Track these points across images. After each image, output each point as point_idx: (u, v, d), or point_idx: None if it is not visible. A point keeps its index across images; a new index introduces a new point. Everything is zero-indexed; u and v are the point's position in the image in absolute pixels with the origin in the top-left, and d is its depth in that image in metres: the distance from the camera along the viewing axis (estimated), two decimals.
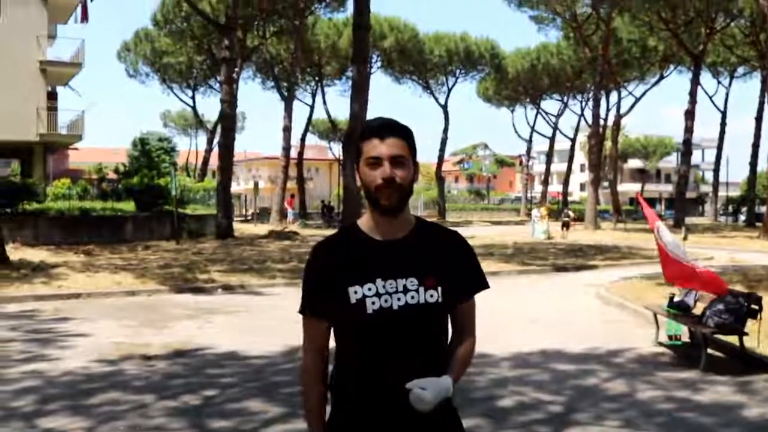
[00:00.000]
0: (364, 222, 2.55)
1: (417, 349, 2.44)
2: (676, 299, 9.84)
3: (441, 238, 2.61)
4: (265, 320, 11.50)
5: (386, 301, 2.42)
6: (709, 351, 8.59)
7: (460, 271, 2.60)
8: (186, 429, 6.13)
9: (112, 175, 42.66)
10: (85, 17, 35.97)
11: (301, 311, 2.55)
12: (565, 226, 35.19)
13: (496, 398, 7.06)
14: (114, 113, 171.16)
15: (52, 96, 36.47)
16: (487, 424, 6.23)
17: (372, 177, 2.44)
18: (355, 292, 2.42)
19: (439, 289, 2.48)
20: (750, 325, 8.46)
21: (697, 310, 9.40)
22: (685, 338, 9.63)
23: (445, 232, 2.66)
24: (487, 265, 16.06)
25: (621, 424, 6.26)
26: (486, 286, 2.73)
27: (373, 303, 2.41)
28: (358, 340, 2.45)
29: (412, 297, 2.44)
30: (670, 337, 9.72)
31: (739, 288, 11.56)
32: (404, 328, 2.43)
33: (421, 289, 2.45)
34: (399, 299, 2.43)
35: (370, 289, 2.42)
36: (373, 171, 2.44)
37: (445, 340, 2.58)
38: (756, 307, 8.46)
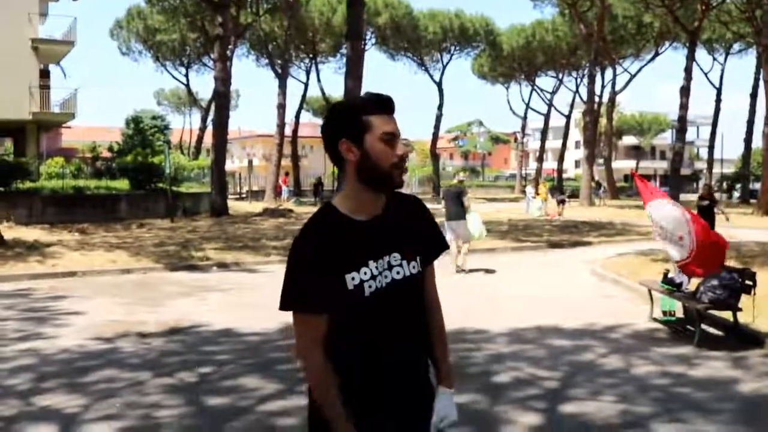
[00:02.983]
0: (343, 202, 2.45)
1: (408, 321, 2.49)
2: (670, 275, 9.85)
3: (407, 207, 2.59)
4: (260, 297, 11.49)
5: (379, 281, 2.42)
6: (703, 327, 8.62)
7: (426, 236, 2.63)
8: (182, 406, 6.14)
9: (106, 154, 42.53)
10: None
11: (297, 308, 2.37)
12: (561, 203, 35.23)
13: (492, 374, 7.08)
14: (107, 91, 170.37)
15: (44, 74, 36.22)
16: (484, 400, 6.25)
17: (388, 154, 2.38)
18: (352, 279, 2.37)
19: (418, 258, 2.53)
20: (744, 300, 8.49)
21: (692, 286, 9.41)
22: (680, 314, 9.67)
23: (408, 200, 2.63)
24: (482, 243, 16.10)
25: (617, 399, 6.28)
26: (447, 245, 2.75)
27: (370, 286, 2.39)
28: (356, 324, 2.41)
29: (398, 272, 2.46)
30: (664, 313, 9.75)
31: (733, 264, 11.61)
32: (395, 304, 2.45)
33: (404, 263, 2.47)
34: (386, 277, 2.43)
35: (366, 273, 2.39)
36: (388, 147, 2.38)
37: (424, 307, 2.63)
38: (750, 283, 8.50)
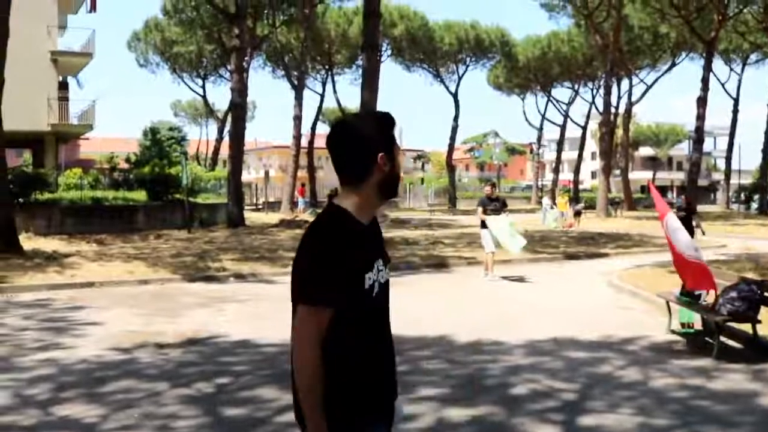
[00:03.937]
0: (356, 207, 2.57)
1: (388, 318, 2.71)
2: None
3: (376, 223, 2.74)
4: (277, 308, 11.48)
5: (379, 280, 2.60)
6: (722, 339, 8.56)
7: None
8: (200, 417, 6.16)
9: (123, 165, 42.78)
10: (93, 7, 36.06)
11: (314, 300, 2.43)
12: (577, 214, 35.07)
13: (510, 386, 7.06)
14: (125, 103, 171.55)
15: (63, 86, 36.57)
16: (501, 412, 6.23)
17: (400, 167, 2.66)
18: (368, 278, 2.51)
19: (387, 266, 2.72)
20: (763, 312, 8.44)
21: (710, 298, 9.36)
22: (698, 326, 9.61)
23: (374, 218, 2.77)
24: (499, 254, 16.07)
25: (635, 412, 6.25)
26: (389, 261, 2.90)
27: (375, 286, 2.56)
28: (365, 322, 2.55)
29: (383, 276, 2.63)
30: (682, 325, 9.70)
31: (751, 276, 11.51)
32: (384, 304, 2.66)
33: (384, 268, 2.66)
34: (380, 279, 2.61)
35: (374, 273, 2.56)
36: (400, 162, 2.64)
37: None
38: None
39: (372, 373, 2.58)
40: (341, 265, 2.42)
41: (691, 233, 17.18)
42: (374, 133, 2.59)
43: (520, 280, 15.56)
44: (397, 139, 2.64)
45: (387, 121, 2.64)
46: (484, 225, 15.36)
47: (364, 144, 2.56)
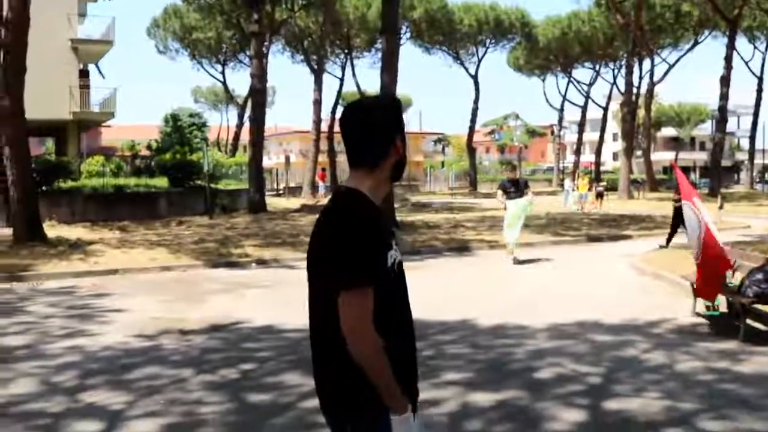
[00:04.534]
0: (369, 190, 2.60)
1: (407, 297, 2.68)
2: None
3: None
4: (300, 293, 11.40)
5: (397, 261, 2.60)
6: (748, 321, 8.47)
7: None
8: (225, 403, 6.19)
9: (144, 152, 42.99)
10: None
11: (362, 282, 2.40)
12: (600, 196, 34.82)
13: (534, 370, 7.03)
14: (145, 90, 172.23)
15: (84, 74, 36.72)
16: (526, 396, 6.21)
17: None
18: (391, 256, 2.54)
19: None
20: None
21: (736, 279, 9.26)
22: (723, 308, 9.51)
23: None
24: (522, 237, 16.00)
25: (661, 395, 6.20)
26: None
27: (396, 264, 2.57)
28: (388, 300, 2.52)
29: (397, 253, 2.62)
30: (707, 308, 9.60)
31: None
32: (403, 283, 2.66)
33: (397, 247, 2.65)
34: (398, 258, 2.61)
35: (394, 251, 2.58)
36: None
37: None
38: None
39: (400, 355, 2.56)
40: (371, 244, 2.45)
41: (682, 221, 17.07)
42: (390, 118, 2.64)
43: (543, 262, 15.51)
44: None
45: (397, 105, 2.71)
46: (505, 208, 15.36)
47: (382, 128, 2.61)
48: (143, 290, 12.47)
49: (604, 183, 38.64)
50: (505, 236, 15.41)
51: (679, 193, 18.09)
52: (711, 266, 8.73)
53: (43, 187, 25.21)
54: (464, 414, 5.81)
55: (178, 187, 29.42)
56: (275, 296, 11.78)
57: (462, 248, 17.89)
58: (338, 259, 2.44)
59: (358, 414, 2.51)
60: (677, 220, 17.09)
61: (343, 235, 2.45)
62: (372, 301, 2.43)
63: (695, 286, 9.30)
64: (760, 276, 8.41)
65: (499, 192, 15.47)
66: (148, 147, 44.06)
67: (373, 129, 2.59)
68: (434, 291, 11.29)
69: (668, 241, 17.39)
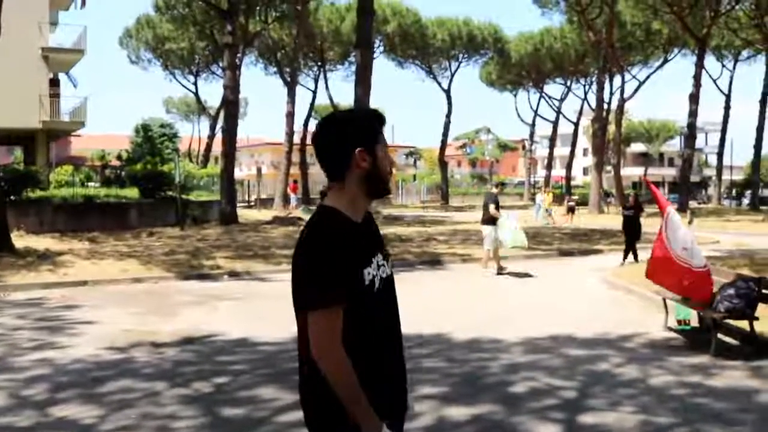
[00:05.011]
0: (344, 206, 2.56)
1: (396, 314, 2.69)
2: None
3: (370, 218, 2.74)
4: (273, 306, 11.46)
5: (379, 277, 2.57)
6: (719, 336, 8.56)
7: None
8: (199, 417, 6.12)
9: (115, 162, 42.63)
10: (83, 2, 35.90)
11: (328, 303, 2.39)
12: (571, 210, 35.09)
13: (509, 384, 7.04)
14: (116, 100, 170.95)
15: (54, 83, 36.33)
16: (501, 410, 6.21)
17: (386, 163, 2.60)
18: (368, 273, 2.50)
19: (389, 261, 2.72)
20: (761, 309, 8.42)
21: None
22: (695, 323, 9.60)
23: (369, 214, 2.76)
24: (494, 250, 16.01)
25: (636, 409, 6.23)
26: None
27: (376, 281, 2.54)
28: (370, 318, 2.51)
29: (384, 271, 2.62)
30: (679, 322, 9.68)
31: (746, 272, 11.53)
32: (390, 298, 2.66)
33: (386, 263, 2.65)
34: (383, 273, 2.60)
35: (373, 268, 2.54)
36: (385, 159, 2.59)
37: None
38: (767, 292, 8.44)
39: (382, 372, 2.56)
40: (340, 263, 2.41)
41: (638, 232, 17.30)
42: (352, 128, 2.59)
43: (515, 276, 15.57)
44: (386, 136, 2.63)
45: (370, 118, 2.64)
46: (491, 222, 15.58)
47: (339, 138, 2.58)
48: (114, 302, 12.32)
49: (576, 198, 38.95)
50: (515, 243, 15.76)
51: (626, 207, 18.45)
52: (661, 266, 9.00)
53: (11, 197, 24.86)
54: (440, 428, 5.80)
55: (149, 198, 29.15)
56: (248, 309, 11.70)
57: (434, 261, 17.90)
58: (306, 278, 2.44)
59: (325, 429, 2.52)
60: (629, 232, 17.45)
61: (311, 253, 2.45)
62: (340, 320, 2.42)
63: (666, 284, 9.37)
64: (731, 291, 8.50)
65: (493, 206, 15.77)
66: (119, 157, 43.71)
67: (331, 139, 2.59)
68: (408, 305, 11.19)
69: (625, 256, 17.27)
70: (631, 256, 17.05)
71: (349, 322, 2.45)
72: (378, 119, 2.64)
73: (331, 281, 2.40)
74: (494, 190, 17.26)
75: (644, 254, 18.56)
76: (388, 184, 2.63)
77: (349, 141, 2.55)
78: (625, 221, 17.82)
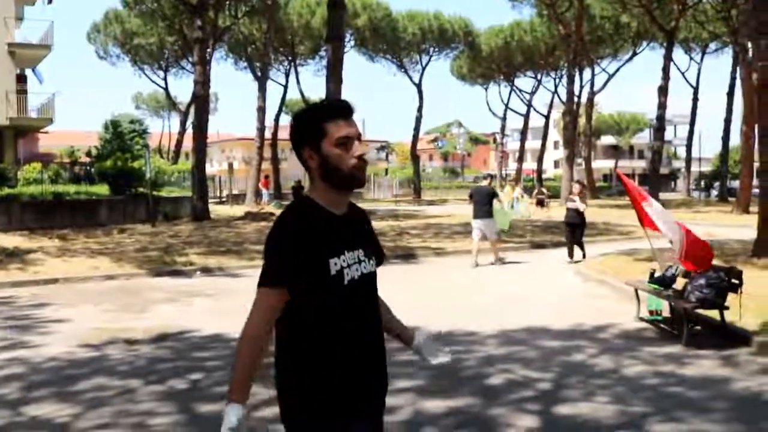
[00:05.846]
0: (319, 197, 2.61)
1: (373, 311, 2.73)
2: (657, 274, 9.91)
3: (361, 214, 2.81)
4: (246, 302, 11.22)
5: (353, 271, 2.59)
6: (690, 325, 8.65)
7: (374, 245, 2.84)
8: (175, 414, 6.08)
9: (84, 159, 42.14)
10: None
11: (270, 282, 2.49)
12: (540, 203, 35.22)
13: (485, 376, 7.07)
14: (85, 96, 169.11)
15: (21, 79, 35.91)
16: (478, 403, 6.24)
17: (345, 156, 2.55)
18: (334, 264, 2.52)
19: (374, 258, 2.76)
20: (730, 299, 8.54)
21: (678, 285, 9.47)
22: (666, 313, 9.71)
23: (360, 210, 2.83)
24: (467, 244, 16.17)
25: (610, 399, 6.29)
26: (384, 257, 2.96)
27: (347, 274, 2.56)
28: (335, 311, 2.54)
29: (365, 267, 2.65)
30: (651, 312, 9.79)
31: (716, 263, 11.66)
32: (365, 295, 2.66)
33: (367, 259, 2.68)
34: (357, 269, 2.61)
35: (344, 261, 2.56)
36: (345, 151, 2.55)
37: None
38: (737, 282, 8.56)
39: (351, 365, 2.57)
40: (297, 249, 2.46)
41: (583, 222, 16.82)
42: (297, 128, 2.63)
43: (488, 268, 15.64)
44: (360, 130, 2.61)
45: (316, 113, 2.62)
46: (490, 215, 16.06)
47: (293, 139, 2.64)
48: (86, 300, 12.19)
49: (544, 190, 39.12)
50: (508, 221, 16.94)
51: (571, 198, 17.93)
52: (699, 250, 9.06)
53: None
54: (418, 422, 5.82)
55: (120, 195, 28.94)
56: (222, 305, 11.64)
57: (408, 255, 17.93)
58: (264, 259, 2.54)
59: (294, 421, 2.57)
60: (569, 228, 16.84)
61: (269, 237, 2.55)
62: (277, 303, 2.50)
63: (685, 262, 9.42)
64: (702, 281, 8.60)
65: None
66: (88, 154, 43.18)
67: (292, 142, 2.65)
68: (382, 298, 11.27)
69: (570, 254, 16.56)
70: (579, 253, 16.46)
71: (312, 311, 2.50)
72: (330, 112, 2.59)
73: (279, 264, 2.49)
74: (484, 183, 17.34)
75: (613, 247, 18.77)
76: (351, 176, 2.57)
77: (298, 141, 2.61)
78: (568, 210, 16.95)
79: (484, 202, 16.02)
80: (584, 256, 16.39)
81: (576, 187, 17.32)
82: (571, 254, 16.47)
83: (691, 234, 9.20)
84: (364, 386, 2.63)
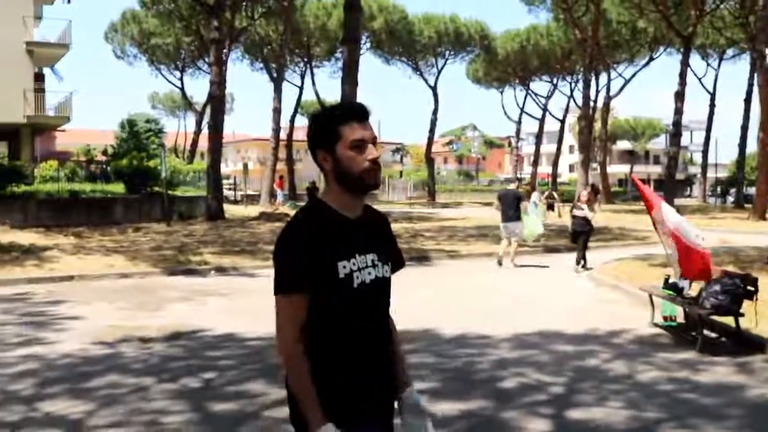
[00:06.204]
0: (333, 200, 2.59)
1: (383, 316, 2.71)
2: (671, 280, 9.86)
3: (379, 218, 2.79)
4: (260, 302, 11.34)
5: (364, 275, 2.57)
6: (705, 332, 8.61)
7: (392, 250, 2.82)
8: (187, 412, 6.10)
9: (100, 157, 42.38)
10: None
11: (288, 289, 2.46)
12: (550, 207, 34.94)
13: (498, 380, 7.06)
14: (101, 95, 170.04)
15: (39, 77, 36.13)
16: (491, 406, 6.23)
17: (358, 160, 2.53)
18: (343, 267, 2.51)
19: (389, 264, 2.73)
20: (746, 306, 8.49)
21: (693, 291, 9.42)
22: (680, 319, 9.66)
23: (379, 215, 2.82)
24: (481, 247, 16.17)
25: (624, 405, 6.26)
26: (404, 263, 2.94)
27: (357, 277, 2.53)
28: (342, 314, 2.53)
29: (378, 271, 2.63)
30: (665, 318, 9.76)
31: (731, 269, 11.60)
32: (375, 300, 2.63)
33: (380, 264, 2.65)
34: (369, 273, 2.59)
35: (354, 264, 2.54)
36: (359, 154, 2.53)
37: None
38: (752, 288, 8.50)
39: (359, 368, 2.55)
40: (308, 252, 2.44)
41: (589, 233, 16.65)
42: (313, 131, 2.63)
43: (502, 271, 15.61)
44: (358, 132, 2.54)
45: (330, 116, 2.59)
46: (518, 218, 16.28)
47: (309, 141, 2.64)
48: (100, 297, 12.25)
49: (555, 194, 38.87)
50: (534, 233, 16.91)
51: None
52: (689, 259, 8.99)
53: None
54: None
55: (135, 194, 29.07)
56: (235, 304, 11.68)
57: (422, 258, 17.91)
58: (274, 267, 2.51)
59: (302, 424, 2.51)
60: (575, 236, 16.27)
61: (280, 241, 2.51)
62: (301, 309, 2.46)
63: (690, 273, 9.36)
64: (717, 288, 8.56)
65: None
66: (104, 152, 43.48)
67: (307, 139, 2.65)
68: (394, 300, 11.26)
69: (579, 261, 15.83)
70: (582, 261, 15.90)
71: (318, 313, 2.49)
72: (345, 115, 2.57)
73: (294, 269, 2.46)
74: (512, 186, 17.67)
75: (628, 252, 18.68)
76: (364, 179, 2.55)
77: (313, 143, 2.61)
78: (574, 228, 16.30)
79: (511, 205, 16.28)
80: (584, 264, 15.75)
81: (583, 194, 16.97)
82: (584, 262, 15.90)
83: (683, 246, 9.09)
84: (373, 390, 2.61)
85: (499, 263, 16.18)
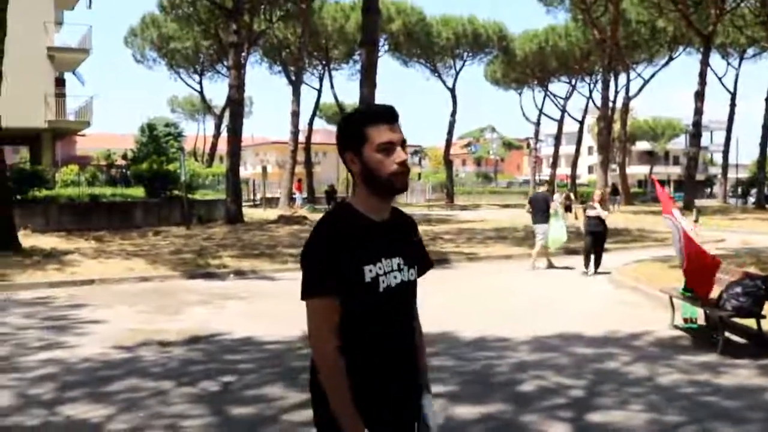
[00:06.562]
0: (360, 203, 2.59)
1: (408, 320, 2.71)
2: None
3: (406, 221, 2.79)
4: (279, 305, 11.47)
5: (390, 279, 2.56)
6: (726, 334, 8.54)
7: (419, 253, 2.80)
8: (207, 416, 6.12)
9: (120, 161, 42.66)
10: (90, 1, 36.03)
11: (316, 293, 2.45)
12: (568, 209, 34.66)
13: (517, 383, 7.03)
14: (121, 99, 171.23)
15: (60, 82, 36.44)
16: (510, 410, 6.20)
17: (387, 162, 2.52)
18: (369, 271, 2.50)
19: (415, 267, 2.72)
20: (767, 307, 8.41)
21: (713, 293, 9.34)
22: (701, 321, 9.59)
23: (407, 217, 2.81)
24: (500, 249, 16.11)
25: (644, 408, 6.22)
26: (431, 266, 2.92)
27: (383, 281, 2.53)
28: (368, 318, 2.52)
29: (403, 275, 2.63)
30: (685, 320, 9.70)
31: (753, 270, 11.50)
32: (400, 304, 2.63)
33: (406, 268, 2.65)
34: (395, 277, 2.59)
35: (380, 268, 2.53)
36: (387, 156, 2.51)
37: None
38: None
39: (384, 373, 2.55)
40: (336, 256, 2.44)
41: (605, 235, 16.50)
42: (340, 133, 2.62)
43: (521, 274, 15.56)
44: (386, 134, 2.52)
45: (357, 119, 2.59)
46: (546, 220, 16.48)
47: (337, 144, 2.62)
48: (121, 301, 12.33)
49: (572, 196, 38.62)
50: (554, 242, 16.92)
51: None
52: (697, 267, 8.92)
53: (18, 196, 24.92)
54: (450, 427, 5.78)
55: (155, 197, 29.21)
56: (255, 308, 11.71)
57: (441, 260, 17.85)
58: (303, 268, 2.50)
59: (325, 427, 2.53)
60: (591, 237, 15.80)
61: (308, 245, 2.51)
62: (334, 312, 2.45)
63: (688, 285, 9.36)
64: (738, 290, 8.48)
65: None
66: (124, 156, 43.74)
67: (336, 141, 2.63)
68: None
69: (587, 263, 15.68)
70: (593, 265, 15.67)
71: (345, 317, 2.48)
72: (373, 117, 2.56)
73: (321, 271, 2.45)
74: (542, 189, 17.83)
75: (647, 253, 18.57)
76: (392, 182, 2.52)
77: (342, 145, 2.60)
78: (591, 230, 15.86)
79: (541, 207, 16.53)
80: (597, 267, 15.60)
81: (597, 193, 17.02)
82: (587, 264, 15.66)
83: (693, 249, 9.03)
84: (397, 394, 2.61)
85: (550, 265, 16.79)
